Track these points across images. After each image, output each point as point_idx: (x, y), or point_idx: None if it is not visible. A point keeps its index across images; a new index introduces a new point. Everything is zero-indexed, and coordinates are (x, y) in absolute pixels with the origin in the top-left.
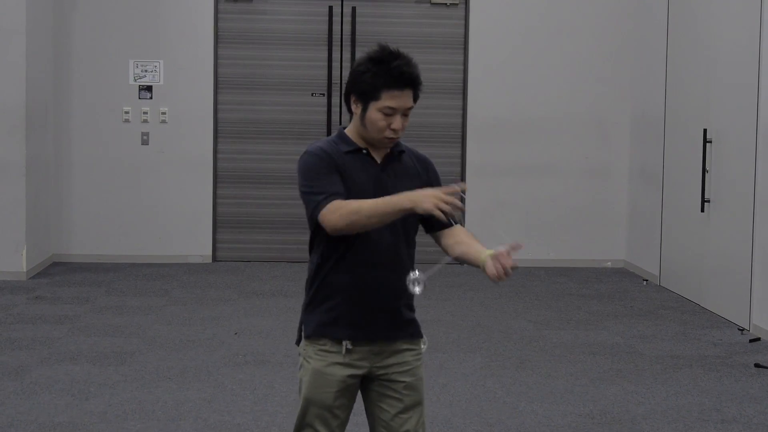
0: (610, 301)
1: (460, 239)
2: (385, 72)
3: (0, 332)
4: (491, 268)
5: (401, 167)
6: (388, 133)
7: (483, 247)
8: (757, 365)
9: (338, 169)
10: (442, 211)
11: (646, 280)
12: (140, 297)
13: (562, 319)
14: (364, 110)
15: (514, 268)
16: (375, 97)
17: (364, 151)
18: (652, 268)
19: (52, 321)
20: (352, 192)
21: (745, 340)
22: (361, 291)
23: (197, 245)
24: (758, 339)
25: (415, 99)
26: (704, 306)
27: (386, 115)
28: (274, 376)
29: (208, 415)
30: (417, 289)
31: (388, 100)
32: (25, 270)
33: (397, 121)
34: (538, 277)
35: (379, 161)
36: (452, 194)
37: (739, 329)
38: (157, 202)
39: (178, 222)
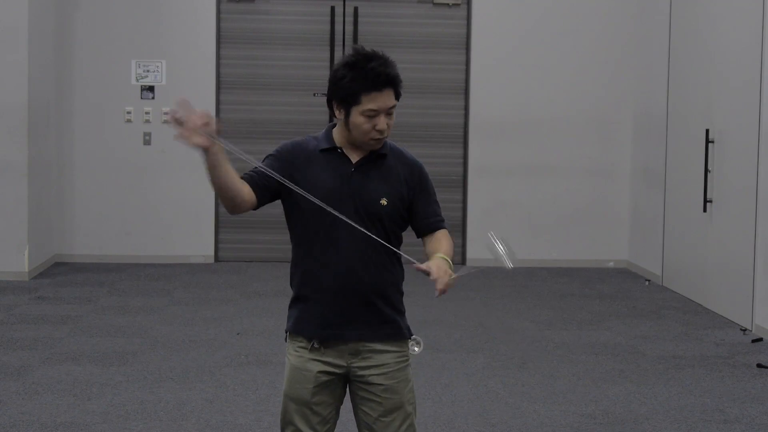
0: (612, 301)
1: (436, 244)
2: (362, 76)
3: (2, 332)
4: (437, 276)
5: (377, 169)
6: (374, 135)
7: (444, 252)
8: (759, 365)
9: (292, 165)
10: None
11: (649, 281)
12: (142, 297)
13: (564, 319)
14: (347, 115)
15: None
16: (356, 101)
17: (339, 150)
18: (655, 268)
19: (55, 321)
20: (314, 189)
21: (748, 340)
22: (331, 290)
23: (199, 245)
24: (761, 339)
25: (397, 97)
26: (707, 306)
27: (369, 117)
28: (276, 377)
29: (210, 416)
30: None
31: (369, 102)
32: (27, 270)
33: (381, 122)
34: (540, 277)
35: (353, 161)
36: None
37: (741, 329)
38: (160, 202)
39: (180, 222)
